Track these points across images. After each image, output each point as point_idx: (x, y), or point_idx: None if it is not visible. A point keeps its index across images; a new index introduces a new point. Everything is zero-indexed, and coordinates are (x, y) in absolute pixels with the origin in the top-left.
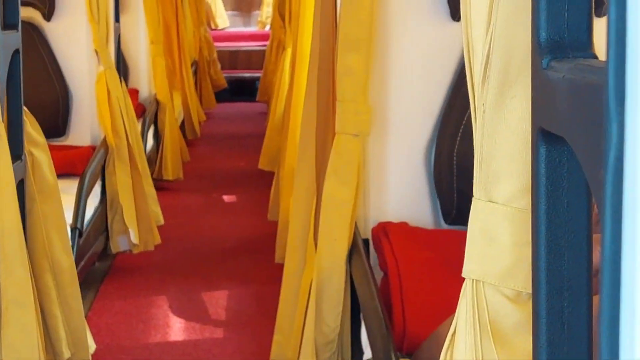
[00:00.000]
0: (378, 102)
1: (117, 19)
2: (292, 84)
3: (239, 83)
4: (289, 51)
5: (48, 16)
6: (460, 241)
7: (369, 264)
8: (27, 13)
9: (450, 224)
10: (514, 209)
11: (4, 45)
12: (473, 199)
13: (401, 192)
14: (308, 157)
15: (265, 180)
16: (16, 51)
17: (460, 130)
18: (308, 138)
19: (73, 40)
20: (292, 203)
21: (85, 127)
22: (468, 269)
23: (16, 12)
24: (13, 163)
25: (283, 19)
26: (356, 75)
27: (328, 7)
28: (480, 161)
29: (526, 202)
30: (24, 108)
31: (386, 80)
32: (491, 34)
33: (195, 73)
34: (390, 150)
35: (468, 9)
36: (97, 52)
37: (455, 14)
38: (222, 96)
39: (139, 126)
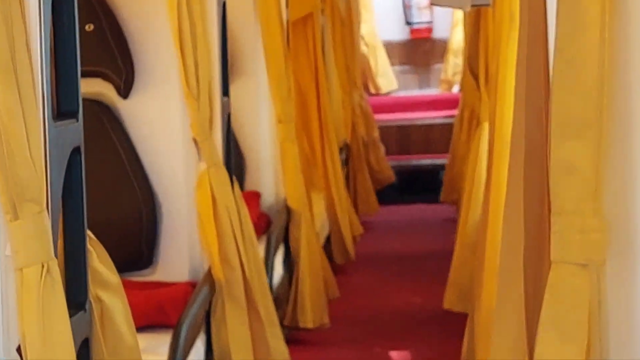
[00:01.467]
0: (618, 213)
1: (225, 92)
2: (490, 179)
3: (414, 175)
4: (485, 127)
5: (125, 91)
6: None
7: None
8: (94, 88)
9: None
10: None
11: (58, 142)
12: None
13: None
14: (512, 297)
15: (454, 327)
16: (75, 150)
17: None
18: (512, 267)
19: (161, 125)
20: None
21: (180, 255)
22: None
23: (76, 94)
24: (73, 316)
25: (476, 78)
26: (581, 173)
27: (537, 68)
28: None
29: None
30: (89, 234)
31: (630, 180)
32: None
33: (346, 162)
34: None
35: None
36: (196, 143)
37: None
38: (387, 195)
39: (260, 249)
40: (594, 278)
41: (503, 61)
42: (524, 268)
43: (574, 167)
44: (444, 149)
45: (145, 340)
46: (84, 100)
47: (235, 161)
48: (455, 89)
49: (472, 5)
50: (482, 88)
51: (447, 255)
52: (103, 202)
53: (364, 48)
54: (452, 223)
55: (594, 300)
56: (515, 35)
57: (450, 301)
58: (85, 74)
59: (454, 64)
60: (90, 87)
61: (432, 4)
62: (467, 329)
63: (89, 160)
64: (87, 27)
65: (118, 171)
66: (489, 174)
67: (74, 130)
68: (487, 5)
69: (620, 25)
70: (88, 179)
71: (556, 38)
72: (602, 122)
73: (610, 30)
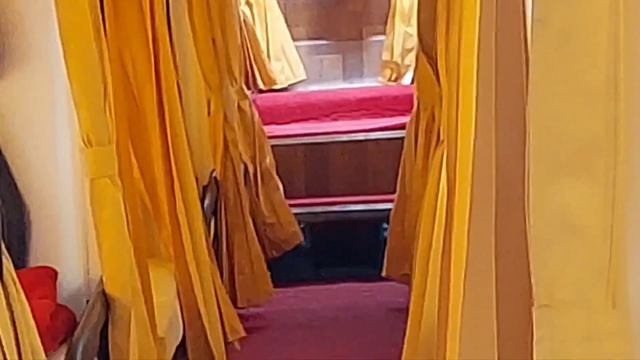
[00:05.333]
0: None
1: None
2: (449, 235)
3: (337, 232)
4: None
5: None
6: None
7: None
8: None
9: None
10: None
11: None
12: None
13: None
14: None
15: None
16: None
17: None
18: None
19: None
20: None
21: None
22: None
23: None
24: None
25: (435, 64)
26: (584, 236)
27: (511, 54)
28: None
29: None
30: None
31: None
32: None
33: (214, 213)
34: None
35: None
36: None
37: None
38: (291, 269)
39: None
40: None
41: (468, 36)
42: None
43: (571, 224)
44: (389, 186)
45: None
46: None
47: (11, 217)
48: (408, 79)
49: None
50: (443, 81)
51: None
52: None
53: (244, 9)
54: (403, 315)
55: None
56: None
57: None
58: None
59: (404, 35)
60: None
61: None
62: None
63: None
64: None
65: None
66: (447, 228)
67: None
68: None
69: None
70: None
71: (534, 3)
72: (617, 145)
73: None
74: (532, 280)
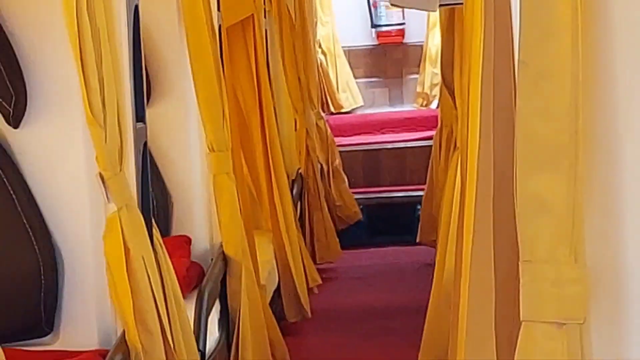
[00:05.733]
0: (601, 260)
1: (140, 117)
2: (462, 215)
3: (385, 211)
4: (457, 155)
5: (15, 120)
6: None
7: None
8: None
9: None
10: None
11: None
12: None
13: None
14: None
15: None
16: None
17: None
18: (481, 326)
19: (61, 160)
20: None
21: (87, 318)
22: None
23: None
24: None
25: (452, 93)
26: (554, 211)
27: (504, 83)
28: None
29: None
30: None
31: (615, 219)
32: None
33: (299, 198)
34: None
35: None
36: (102, 179)
37: None
38: (352, 237)
39: (190, 307)
40: (572, 340)
41: (474, 73)
42: (495, 326)
43: (545, 204)
44: (421, 179)
45: None
46: None
47: (159, 200)
48: (435, 104)
49: (441, 5)
50: (458, 105)
51: (424, 311)
52: None
53: (320, 57)
54: (431, 269)
55: None
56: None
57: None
58: None
59: (431, 74)
60: None
61: (392, 4)
62: None
63: None
64: None
65: (9, 218)
66: (461, 209)
67: None
68: (460, 4)
69: (596, 28)
70: None
71: (520, 48)
72: (577, 149)
73: (585, 35)
74: (519, 243)
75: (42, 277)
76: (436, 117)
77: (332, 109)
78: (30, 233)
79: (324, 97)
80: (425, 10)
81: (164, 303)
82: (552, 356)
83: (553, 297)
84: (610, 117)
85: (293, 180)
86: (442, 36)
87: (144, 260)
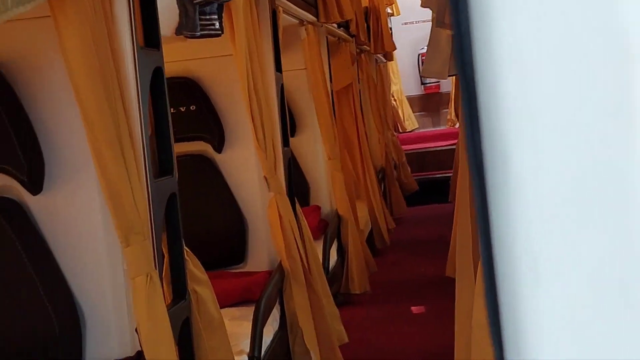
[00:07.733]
0: None
1: (286, 144)
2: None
3: (430, 184)
4: None
5: (219, 148)
6: None
7: None
8: (198, 147)
9: None
10: None
11: (159, 191)
12: None
13: None
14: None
15: (453, 289)
16: (172, 195)
17: None
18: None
19: (244, 169)
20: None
21: (262, 253)
22: None
23: (170, 160)
24: (177, 303)
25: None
26: None
27: None
28: None
29: None
30: (185, 248)
31: None
32: None
33: (382, 180)
34: None
35: None
36: (266, 179)
37: None
38: (413, 199)
39: (320, 245)
40: None
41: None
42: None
43: None
44: (450, 166)
45: (238, 311)
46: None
47: (302, 186)
48: (457, 125)
49: (449, 75)
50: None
51: (448, 239)
52: (211, 221)
53: (393, 102)
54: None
55: None
56: None
57: (450, 270)
58: (192, 138)
59: (455, 108)
60: (196, 146)
61: (422, 75)
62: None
63: (199, 195)
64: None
65: (219, 201)
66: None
67: (171, 182)
68: None
69: None
70: (201, 205)
71: None
72: None
73: None
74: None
75: (238, 232)
76: (457, 132)
77: (400, 130)
78: (231, 210)
79: (396, 123)
80: (441, 78)
81: (302, 243)
82: None
83: None
84: None
85: (378, 171)
86: (455, 87)
87: (290, 222)
